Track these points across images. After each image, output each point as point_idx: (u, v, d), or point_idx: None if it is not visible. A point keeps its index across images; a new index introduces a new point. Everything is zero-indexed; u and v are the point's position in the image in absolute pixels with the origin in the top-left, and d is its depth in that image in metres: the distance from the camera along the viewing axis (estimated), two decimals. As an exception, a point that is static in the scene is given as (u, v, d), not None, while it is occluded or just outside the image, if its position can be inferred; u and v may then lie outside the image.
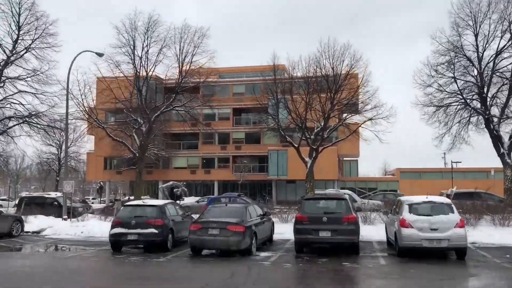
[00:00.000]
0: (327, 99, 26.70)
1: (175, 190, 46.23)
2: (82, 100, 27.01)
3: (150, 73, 28.68)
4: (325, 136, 27.97)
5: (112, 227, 14.37)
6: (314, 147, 27.80)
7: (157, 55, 28.41)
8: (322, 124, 27.33)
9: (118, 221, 14.35)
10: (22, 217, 20.01)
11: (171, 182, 46.25)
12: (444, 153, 53.55)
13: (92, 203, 57.12)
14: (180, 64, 28.45)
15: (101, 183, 66.82)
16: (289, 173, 50.94)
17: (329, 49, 26.73)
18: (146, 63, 28.27)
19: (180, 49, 28.32)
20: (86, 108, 27.49)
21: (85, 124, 27.97)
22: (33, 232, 19.63)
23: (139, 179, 26.71)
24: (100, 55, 28.52)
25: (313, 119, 27.64)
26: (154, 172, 56.01)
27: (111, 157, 55.51)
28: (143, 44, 28.40)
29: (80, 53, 27.20)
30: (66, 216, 21.50)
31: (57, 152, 59.59)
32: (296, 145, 27.90)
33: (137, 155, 27.54)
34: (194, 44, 28.56)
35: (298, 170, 50.28)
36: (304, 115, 27.02)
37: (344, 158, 57.65)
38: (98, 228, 19.23)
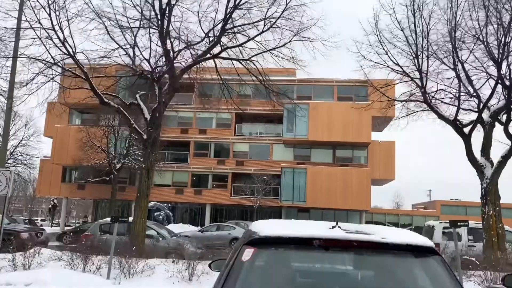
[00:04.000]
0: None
1: (156, 214, 36.54)
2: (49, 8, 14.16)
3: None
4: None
5: None
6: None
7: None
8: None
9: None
10: None
11: (152, 203, 34.88)
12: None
13: (41, 225, 43.32)
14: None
15: (55, 200, 53.59)
16: (307, 199, 39.90)
17: None
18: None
19: None
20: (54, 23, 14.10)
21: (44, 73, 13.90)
22: None
23: (146, 182, 13.51)
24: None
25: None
26: (127, 189, 43.02)
27: (72, 167, 42.57)
28: None
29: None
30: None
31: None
32: (469, 130, 14.44)
33: (145, 137, 14.03)
34: None
35: (317, 195, 39.50)
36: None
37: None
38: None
